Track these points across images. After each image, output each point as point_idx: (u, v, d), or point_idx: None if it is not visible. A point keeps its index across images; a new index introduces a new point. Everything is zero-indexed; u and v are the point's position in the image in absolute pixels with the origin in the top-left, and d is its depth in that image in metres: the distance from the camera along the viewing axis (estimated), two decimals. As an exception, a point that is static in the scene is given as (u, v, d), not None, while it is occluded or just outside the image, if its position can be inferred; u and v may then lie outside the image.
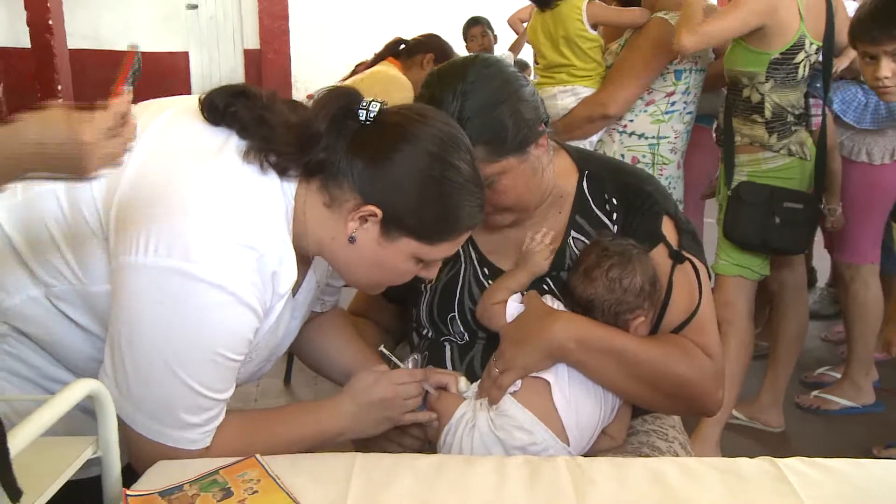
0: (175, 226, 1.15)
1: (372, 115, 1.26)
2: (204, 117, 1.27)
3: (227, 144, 1.24)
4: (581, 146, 2.70)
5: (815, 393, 3.38)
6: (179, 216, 1.16)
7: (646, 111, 2.95)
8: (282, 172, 1.24)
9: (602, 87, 2.99)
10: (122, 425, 1.17)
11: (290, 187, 1.26)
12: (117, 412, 1.16)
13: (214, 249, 1.16)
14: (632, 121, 2.96)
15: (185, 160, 1.22)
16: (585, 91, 3.02)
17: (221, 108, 1.25)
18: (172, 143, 1.25)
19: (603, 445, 1.50)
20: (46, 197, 1.25)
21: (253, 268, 1.19)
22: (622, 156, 2.97)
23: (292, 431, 1.36)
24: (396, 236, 1.26)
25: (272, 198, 1.24)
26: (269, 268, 1.21)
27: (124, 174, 1.20)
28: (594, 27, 3.02)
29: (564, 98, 3.03)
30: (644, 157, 2.99)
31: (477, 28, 5.41)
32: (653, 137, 2.97)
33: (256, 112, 1.25)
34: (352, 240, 1.26)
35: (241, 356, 1.24)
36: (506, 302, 1.50)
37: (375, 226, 1.25)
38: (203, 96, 1.27)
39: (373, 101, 1.27)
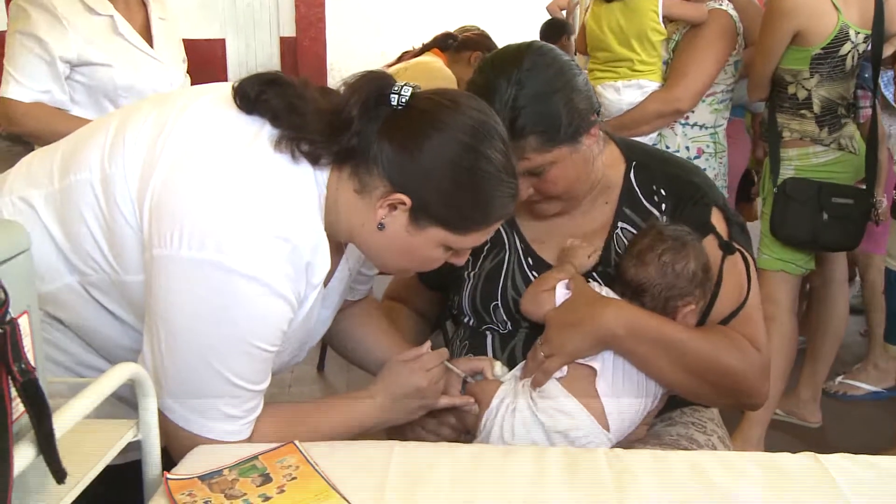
0: (208, 218, 1.16)
1: (404, 101, 1.23)
2: (237, 106, 1.26)
3: (259, 134, 1.23)
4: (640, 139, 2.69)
5: (839, 379, 3.39)
6: (213, 208, 1.16)
7: (705, 102, 2.92)
8: (314, 161, 1.23)
9: (674, 82, 2.88)
10: (162, 417, 1.18)
11: (322, 175, 1.25)
12: (159, 405, 1.17)
13: (248, 241, 1.16)
14: (693, 112, 2.92)
15: (217, 151, 1.22)
16: (650, 84, 2.91)
17: (253, 97, 1.24)
18: (206, 133, 1.24)
19: (631, 437, 1.48)
20: (83, 187, 1.25)
21: (286, 259, 1.18)
22: (687, 147, 2.94)
23: (329, 425, 1.36)
24: (425, 225, 1.25)
25: (304, 187, 1.23)
26: (302, 258, 1.20)
27: (158, 165, 1.21)
28: (664, 20, 2.93)
29: (629, 92, 2.91)
30: (708, 147, 2.97)
31: (565, 37, 5.12)
32: (712, 127, 2.96)
33: (288, 100, 1.24)
34: (381, 227, 1.25)
35: (276, 347, 1.24)
36: (554, 289, 1.48)
37: (404, 214, 1.24)
38: (236, 84, 1.27)
39: (405, 85, 1.25)
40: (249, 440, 1.26)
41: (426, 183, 1.22)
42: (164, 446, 1.23)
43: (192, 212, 1.16)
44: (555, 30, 5.15)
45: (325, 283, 1.34)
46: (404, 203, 1.22)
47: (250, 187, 1.19)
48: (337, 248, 1.35)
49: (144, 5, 2.46)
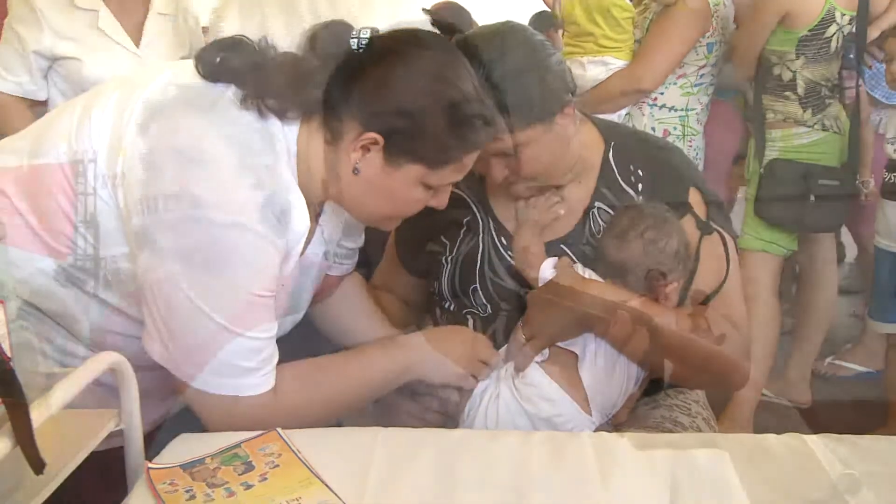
0: (181, 177, 1.16)
1: (364, 43, 1.24)
2: (200, 75, 1.25)
3: (223, 95, 1.23)
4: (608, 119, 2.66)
5: (829, 360, 3.38)
6: (184, 167, 1.17)
7: (676, 84, 2.89)
8: (281, 116, 1.23)
9: (637, 61, 2.89)
10: (185, 388, 1.20)
11: (291, 130, 1.25)
12: (177, 375, 1.20)
13: (223, 192, 1.17)
14: (662, 93, 2.89)
15: (183, 114, 1.22)
16: (616, 62, 2.92)
17: (216, 63, 1.24)
18: (171, 102, 1.24)
19: (613, 420, 1.49)
20: (52, 167, 1.25)
21: (264, 204, 1.19)
22: (653, 129, 2.91)
23: (358, 368, 1.37)
24: (401, 162, 1.24)
25: (274, 142, 1.23)
26: (278, 206, 1.21)
27: (125, 138, 1.21)
28: None
29: (594, 68, 2.92)
30: (675, 129, 2.94)
31: (552, 30, 5.08)
32: (682, 110, 2.92)
33: (250, 58, 1.24)
34: (356, 171, 1.25)
35: (272, 291, 1.23)
36: (539, 250, 1.48)
37: (378, 154, 1.23)
38: (196, 54, 1.27)
39: (363, 28, 1.25)
40: (276, 391, 1.25)
41: (397, 118, 1.22)
42: (149, 433, 1.23)
43: (164, 174, 1.17)
44: (542, 22, 5.12)
45: (302, 252, 1.33)
46: (377, 142, 1.22)
47: (219, 144, 1.19)
48: (312, 214, 1.34)
49: (147, 0, 2.43)
